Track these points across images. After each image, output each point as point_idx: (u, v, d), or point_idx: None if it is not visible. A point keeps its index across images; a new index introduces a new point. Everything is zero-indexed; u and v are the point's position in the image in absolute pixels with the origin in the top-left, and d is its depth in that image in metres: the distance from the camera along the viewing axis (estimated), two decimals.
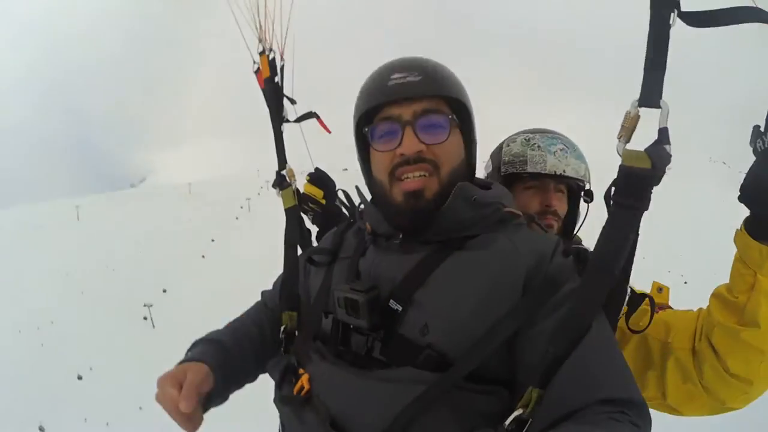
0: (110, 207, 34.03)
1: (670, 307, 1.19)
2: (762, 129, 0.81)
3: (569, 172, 1.40)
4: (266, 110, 1.37)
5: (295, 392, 0.93)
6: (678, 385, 1.03)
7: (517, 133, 1.52)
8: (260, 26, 1.35)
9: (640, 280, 1.02)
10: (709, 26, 0.75)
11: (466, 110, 1.03)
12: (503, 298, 0.85)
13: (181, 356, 1.09)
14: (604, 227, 0.81)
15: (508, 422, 0.75)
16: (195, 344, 1.12)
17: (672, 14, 0.75)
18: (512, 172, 1.43)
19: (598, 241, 0.82)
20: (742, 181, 0.83)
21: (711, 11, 0.74)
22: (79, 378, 14.97)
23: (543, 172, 1.37)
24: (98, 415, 12.87)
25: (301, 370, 0.97)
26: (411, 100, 0.96)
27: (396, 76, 0.97)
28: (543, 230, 1.22)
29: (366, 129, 1.03)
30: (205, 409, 1.00)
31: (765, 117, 0.80)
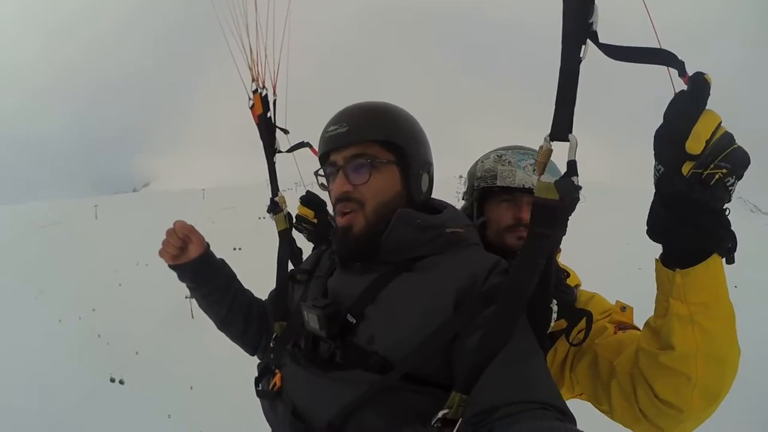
0: (124, 208, 33.39)
1: (635, 327, 1.22)
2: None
3: None
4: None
5: (270, 388, 1.13)
6: (624, 407, 1.07)
7: (492, 151, 1.61)
8: (253, 66, 1.48)
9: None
10: (624, 60, 0.80)
11: (400, 147, 1.15)
12: (435, 314, 0.96)
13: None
14: (519, 252, 0.89)
15: (433, 420, 0.84)
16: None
17: (583, 47, 0.79)
18: (484, 186, 1.51)
19: (513, 264, 0.90)
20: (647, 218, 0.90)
21: (628, 47, 0.78)
22: (113, 381, 14.27)
23: (512, 186, 1.43)
24: (150, 397, 12.95)
25: (276, 370, 1.15)
26: (342, 148, 1.11)
27: (330, 128, 1.12)
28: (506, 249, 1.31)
29: (318, 173, 1.21)
30: (180, 264, 1.35)
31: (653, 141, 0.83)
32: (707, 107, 0.78)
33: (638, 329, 1.16)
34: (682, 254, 0.86)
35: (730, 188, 0.79)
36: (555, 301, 0.95)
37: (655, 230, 0.87)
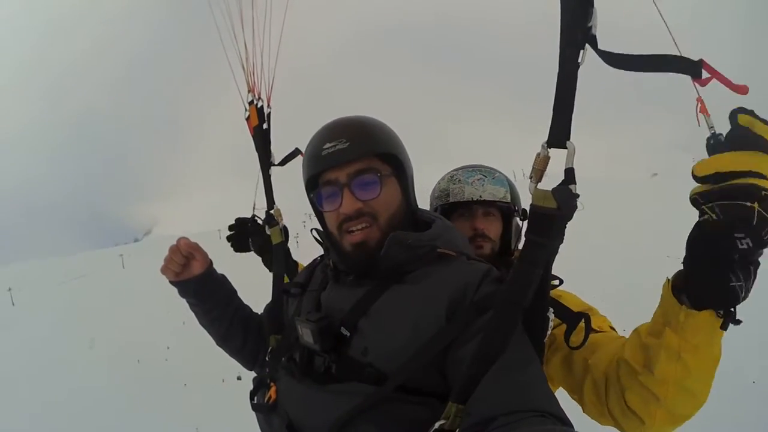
0: (143, 256, 32.57)
1: (614, 330, 1.26)
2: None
3: (486, 197, 1.59)
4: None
5: (265, 401, 1.14)
6: (593, 403, 1.09)
7: (448, 172, 1.74)
8: (249, 77, 1.47)
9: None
10: (627, 69, 0.73)
11: (398, 159, 1.16)
12: (428, 325, 0.97)
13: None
14: (516, 261, 0.87)
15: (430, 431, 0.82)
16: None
17: (581, 52, 0.74)
18: (441, 205, 1.65)
19: (510, 273, 0.87)
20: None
21: (629, 55, 0.71)
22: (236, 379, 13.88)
23: (461, 200, 1.58)
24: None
25: (271, 384, 1.16)
26: (343, 164, 1.08)
27: (327, 145, 1.09)
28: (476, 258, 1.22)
29: (311, 195, 1.18)
30: (183, 281, 1.41)
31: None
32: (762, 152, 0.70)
33: (607, 332, 1.22)
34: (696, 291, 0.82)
35: (736, 240, 0.70)
36: (552, 310, 0.95)
37: (692, 257, 0.80)
